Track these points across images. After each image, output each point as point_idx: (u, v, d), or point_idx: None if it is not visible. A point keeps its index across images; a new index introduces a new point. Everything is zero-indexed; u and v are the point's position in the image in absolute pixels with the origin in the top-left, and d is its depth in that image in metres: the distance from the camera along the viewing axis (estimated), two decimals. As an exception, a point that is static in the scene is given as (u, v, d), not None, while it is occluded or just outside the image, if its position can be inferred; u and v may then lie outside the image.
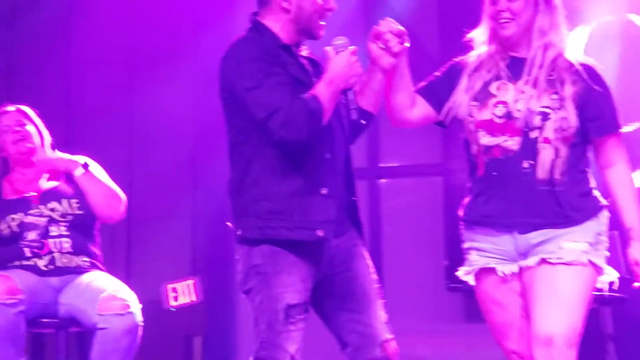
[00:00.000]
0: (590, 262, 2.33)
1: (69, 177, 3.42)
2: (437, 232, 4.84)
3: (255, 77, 2.40)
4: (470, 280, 2.50)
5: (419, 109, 2.56)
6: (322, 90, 2.40)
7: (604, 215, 2.42)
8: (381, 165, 4.95)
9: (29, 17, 5.61)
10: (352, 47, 2.42)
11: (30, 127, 3.47)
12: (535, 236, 2.40)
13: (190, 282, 5.01)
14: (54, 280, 3.29)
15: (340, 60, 2.41)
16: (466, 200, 2.52)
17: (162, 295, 4.98)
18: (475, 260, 2.48)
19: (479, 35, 2.50)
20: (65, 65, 5.61)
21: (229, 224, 2.68)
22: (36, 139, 3.46)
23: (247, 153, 2.51)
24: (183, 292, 5.03)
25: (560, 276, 2.34)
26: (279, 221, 2.48)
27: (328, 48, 2.43)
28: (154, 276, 5.10)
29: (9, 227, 3.34)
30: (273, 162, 2.48)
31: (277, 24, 2.50)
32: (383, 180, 4.93)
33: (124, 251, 5.41)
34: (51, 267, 3.29)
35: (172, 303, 5.01)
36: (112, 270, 3.51)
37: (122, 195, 3.42)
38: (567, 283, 2.35)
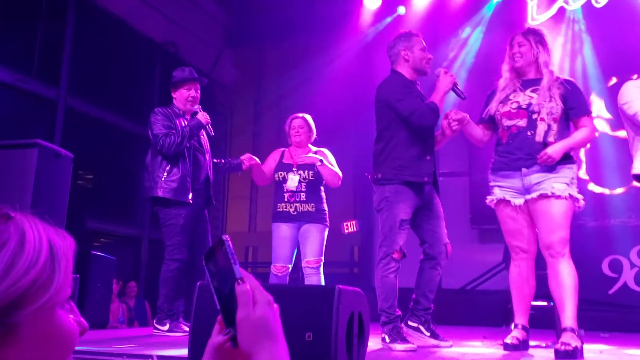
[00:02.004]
0: (570, 195, 2.76)
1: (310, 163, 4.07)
2: (464, 201, 7.06)
3: (401, 94, 3.06)
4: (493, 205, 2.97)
5: (487, 133, 3.18)
6: (436, 98, 3.04)
7: (574, 165, 2.84)
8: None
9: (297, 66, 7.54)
10: (441, 69, 3.13)
11: (304, 130, 4.17)
12: (535, 177, 2.81)
13: (354, 221, 7.19)
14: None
15: (441, 80, 3.09)
16: (494, 159, 3.02)
17: (342, 227, 7.03)
18: (497, 194, 2.96)
19: (504, 69, 3.12)
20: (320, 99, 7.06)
21: (367, 174, 3.18)
22: (308, 135, 4.14)
23: (389, 135, 3.09)
24: (350, 226, 7.17)
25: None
26: (405, 171, 3.05)
27: (436, 71, 3.14)
28: (338, 219, 6.74)
29: (278, 175, 4.07)
30: (403, 140, 3.07)
31: (404, 69, 3.16)
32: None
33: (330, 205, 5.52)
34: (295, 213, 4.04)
35: (346, 231, 7.12)
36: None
37: (340, 175, 4.06)
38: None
